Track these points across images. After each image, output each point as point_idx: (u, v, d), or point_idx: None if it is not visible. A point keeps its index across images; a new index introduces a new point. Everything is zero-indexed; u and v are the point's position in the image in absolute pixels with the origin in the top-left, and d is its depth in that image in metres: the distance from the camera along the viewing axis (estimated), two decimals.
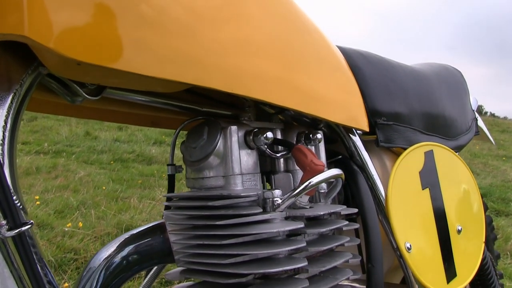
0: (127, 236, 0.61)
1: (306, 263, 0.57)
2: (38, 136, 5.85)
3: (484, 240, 1.10)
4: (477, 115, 1.36)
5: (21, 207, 0.46)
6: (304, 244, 0.57)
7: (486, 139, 1.64)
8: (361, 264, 0.83)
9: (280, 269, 0.55)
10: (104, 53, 0.43)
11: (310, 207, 0.63)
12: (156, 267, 0.68)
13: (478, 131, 1.34)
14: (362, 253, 0.81)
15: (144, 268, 0.62)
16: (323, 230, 0.60)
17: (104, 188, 3.78)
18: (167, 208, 0.64)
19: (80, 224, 2.78)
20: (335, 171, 0.62)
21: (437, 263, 0.92)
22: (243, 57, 0.55)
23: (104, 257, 0.60)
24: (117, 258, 0.60)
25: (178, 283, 0.70)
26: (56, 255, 2.36)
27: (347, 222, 0.66)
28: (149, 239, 0.62)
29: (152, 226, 0.63)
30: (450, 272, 0.95)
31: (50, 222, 2.82)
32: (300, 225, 0.57)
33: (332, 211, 0.63)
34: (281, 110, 0.76)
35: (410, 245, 0.86)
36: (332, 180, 0.70)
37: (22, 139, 5.44)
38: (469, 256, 1.02)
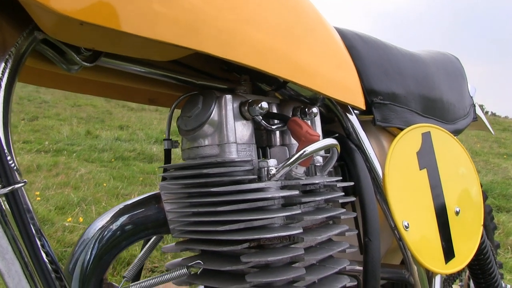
0: (121, 207, 0.62)
1: (301, 231, 0.57)
2: (39, 135, 5.86)
3: (482, 223, 1.10)
4: (475, 101, 1.36)
5: (15, 168, 0.47)
6: (299, 211, 0.57)
7: (485, 128, 1.64)
8: (359, 243, 0.83)
9: (275, 234, 0.55)
10: (107, 14, 0.43)
11: (305, 179, 0.63)
12: (152, 239, 0.68)
13: (476, 117, 1.34)
14: (360, 234, 0.81)
15: (139, 238, 0.62)
16: (318, 199, 0.60)
17: (105, 185, 3.78)
18: (163, 180, 0.64)
19: (81, 220, 2.78)
20: (330, 140, 0.62)
21: (435, 243, 0.92)
22: (238, 24, 0.56)
23: (98, 228, 0.60)
24: (111, 229, 0.60)
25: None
26: (57, 249, 2.36)
27: (343, 193, 0.66)
28: (144, 209, 0.62)
29: (147, 196, 0.63)
30: (449, 252, 0.94)
31: (50, 218, 2.82)
32: (295, 192, 0.57)
33: (327, 180, 0.63)
34: (277, 87, 0.76)
35: (408, 224, 0.86)
36: (327, 155, 0.70)
37: (23, 138, 5.45)
38: (467, 238, 1.02)
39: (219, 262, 0.59)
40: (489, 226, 1.61)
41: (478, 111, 1.42)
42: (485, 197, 1.53)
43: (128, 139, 6.03)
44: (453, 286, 1.51)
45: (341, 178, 0.68)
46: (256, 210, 0.57)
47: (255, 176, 0.58)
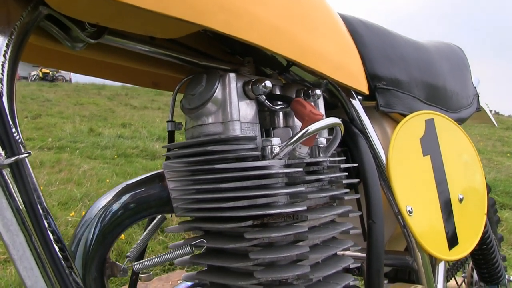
0: (124, 186, 0.62)
1: (305, 208, 0.57)
2: (42, 133, 5.88)
3: (485, 212, 1.10)
4: (478, 92, 1.36)
5: (19, 140, 0.47)
6: (303, 189, 0.57)
7: (489, 121, 1.64)
8: (363, 230, 0.82)
9: (279, 211, 0.55)
10: None
11: (309, 158, 0.63)
12: (156, 219, 0.68)
13: (480, 107, 1.33)
14: (364, 220, 0.81)
15: (142, 217, 0.62)
16: (322, 177, 0.60)
17: (107, 181, 3.79)
18: (167, 160, 0.64)
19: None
20: (333, 119, 0.61)
21: (439, 229, 0.92)
22: (244, 1, 0.56)
23: (101, 207, 0.60)
24: (114, 207, 0.60)
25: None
26: None
27: (346, 173, 0.66)
28: (147, 187, 0.62)
29: (151, 175, 0.63)
30: (452, 239, 0.94)
31: (53, 213, 2.83)
32: (299, 169, 0.57)
33: (330, 159, 0.63)
34: (280, 71, 0.76)
35: (412, 209, 0.85)
36: (331, 137, 0.70)
37: (26, 135, 5.47)
38: (471, 226, 1.02)
39: (222, 241, 0.59)
40: (492, 219, 1.60)
41: (482, 104, 1.42)
42: (488, 190, 1.53)
43: (131, 136, 6.04)
44: (457, 278, 1.51)
45: (344, 158, 0.68)
46: (259, 187, 0.57)
47: (259, 153, 0.58)
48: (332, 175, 0.62)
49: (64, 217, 2.72)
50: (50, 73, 20.99)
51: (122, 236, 2.45)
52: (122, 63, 0.67)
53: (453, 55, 1.27)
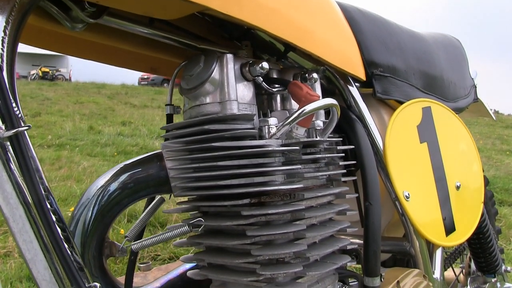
0: (122, 166, 0.62)
1: (301, 186, 0.58)
2: (42, 131, 5.88)
3: (483, 201, 1.10)
4: (476, 83, 1.36)
5: (19, 115, 0.47)
6: (299, 166, 0.57)
7: (486, 114, 1.64)
8: (360, 215, 0.83)
9: (276, 188, 0.56)
10: None
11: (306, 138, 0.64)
12: (155, 200, 0.68)
13: (477, 98, 1.34)
14: (361, 205, 0.82)
15: (140, 197, 0.63)
16: (318, 156, 0.61)
17: None
18: (166, 140, 0.65)
19: None
20: (329, 100, 0.62)
21: (436, 215, 0.92)
22: None
23: (99, 186, 0.61)
24: (112, 187, 0.61)
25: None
26: None
27: (343, 154, 0.67)
28: (146, 167, 0.62)
29: (149, 155, 0.64)
30: (449, 225, 0.95)
31: None
32: (295, 147, 0.58)
33: (327, 139, 0.64)
34: (278, 57, 0.77)
35: (409, 194, 0.86)
36: (327, 120, 0.71)
37: None
38: (468, 213, 1.03)
39: (220, 219, 0.60)
40: (490, 211, 1.61)
41: (480, 97, 1.43)
42: (486, 182, 1.53)
43: (131, 134, 6.05)
44: (455, 269, 1.52)
45: (341, 139, 0.68)
46: (256, 166, 0.58)
47: (256, 131, 0.59)
48: (328, 155, 0.63)
49: (64, 213, 2.70)
50: (50, 72, 20.99)
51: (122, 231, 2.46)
52: (121, 46, 0.68)
53: (450, 46, 1.27)
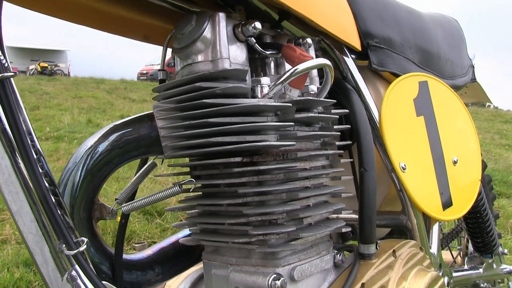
0: (112, 126, 0.61)
1: (294, 143, 0.57)
2: (40, 124, 5.87)
3: (480, 178, 1.10)
4: (474, 63, 1.35)
5: (5, 64, 0.46)
6: (291, 124, 0.57)
7: (484, 97, 1.63)
8: (354, 180, 0.81)
9: (268, 143, 0.55)
10: None
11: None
12: (147, 165, 0.67)
13: (475, 78, 1.33)
14: (356, 174, 0.81)
15: (131, 157, 0.62)
16: (312, 115, 0.60)
17: None
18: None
19: None
20: (322, 60, 0.61)
21: (433, 188, 0.92)
22: None
23: (89, 146, 0.60)
24: (102, 147, 0.60)
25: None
26: None
27: (337, 116, 0.66)
28: (137, 127, 0.61)
29: (140, 115, 0.63)
30: (446, 200, 0.94)
31: None
32: (288, 104, 0.57)
33: (321, 99, 0.63)
34: (272, 26, 0.76)
35: (405, 165, 0.85)
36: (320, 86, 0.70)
37: None
38: (465, 189, 1.02)
39: (211, 178, 0.59)
40: (489, 196, 1.60)
41: (479, 81, 1.42)
42: (484, 166, 1.53)
43: None
44: (452, 252, 1.51)
45: (335, 101, 0.67)
46: (249, 123, 0.57)
47: (249, 87, 0.58)
48: (322, 115, 0.62)
49: None
50: (49, 67, 20.95)
51: None
52: (114, 10, 0.67)
53: (448, 25, 1.26)
